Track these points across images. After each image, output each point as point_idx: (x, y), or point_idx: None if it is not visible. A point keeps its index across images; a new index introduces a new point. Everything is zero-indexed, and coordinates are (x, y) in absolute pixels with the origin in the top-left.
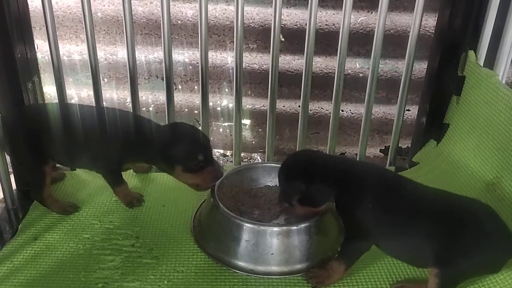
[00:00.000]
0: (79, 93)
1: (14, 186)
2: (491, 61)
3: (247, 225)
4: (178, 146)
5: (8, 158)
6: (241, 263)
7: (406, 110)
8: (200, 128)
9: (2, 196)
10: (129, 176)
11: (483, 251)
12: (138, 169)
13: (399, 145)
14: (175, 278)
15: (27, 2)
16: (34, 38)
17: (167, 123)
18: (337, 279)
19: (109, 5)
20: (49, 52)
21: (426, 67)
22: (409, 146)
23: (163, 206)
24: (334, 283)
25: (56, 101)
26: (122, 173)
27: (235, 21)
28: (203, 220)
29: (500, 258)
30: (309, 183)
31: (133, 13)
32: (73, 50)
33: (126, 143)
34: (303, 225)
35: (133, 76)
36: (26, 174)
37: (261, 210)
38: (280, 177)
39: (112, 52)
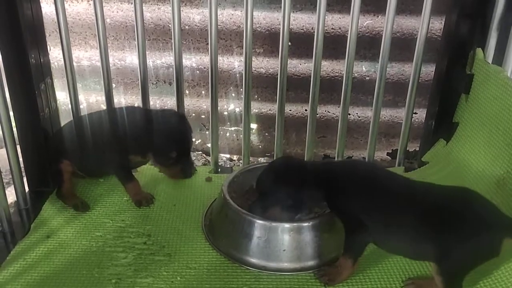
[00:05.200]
0: (88, 98)
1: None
2: (499, 58)
3: (259, 222)
4: (154, 138)
5: (21, 159)
6: (253, 260)
7: (413, 113)
8: (208, 133)
9: (14, 199)
10: (140, 176)
11: (476, 236)
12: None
13: (407, 149)
14: (188, 275)
15: (40, 8)
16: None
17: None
18: (347, 275)
19: (117, 11)
20: (58, 58)
21: (432, 70)
22: (416, 149)
23: (174, 205)
24: (345, 279)
25: (66, 105)
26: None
27: (244, 26)
28: (214, 218)
29: (495, 239)
30: (301, 189)
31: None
32: (82, 56)
33: (121, 137)
34: (314, 222)
35: (144, 82)
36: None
37: None
38: (270, 186)
39: (121, 58)
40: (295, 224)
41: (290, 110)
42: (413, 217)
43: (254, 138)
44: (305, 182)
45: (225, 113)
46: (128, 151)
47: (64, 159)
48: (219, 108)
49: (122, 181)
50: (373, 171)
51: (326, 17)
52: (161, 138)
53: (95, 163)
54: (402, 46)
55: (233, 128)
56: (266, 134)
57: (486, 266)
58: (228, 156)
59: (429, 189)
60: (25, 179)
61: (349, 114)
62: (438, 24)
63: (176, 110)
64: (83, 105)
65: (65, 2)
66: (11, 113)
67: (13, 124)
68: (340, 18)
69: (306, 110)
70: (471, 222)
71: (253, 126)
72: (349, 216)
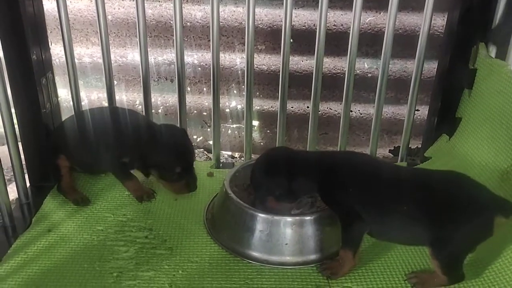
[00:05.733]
0: (89, 95)
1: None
2: (502, 53)
3: (261, 215)
4: (159, 154)
5: (22, 154)
6: (255, 254)
7: (416, 110)
8: (210, 130)
9: (16, 196)
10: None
11: (468, 217)
12: None
13: (409, 146)
14: (189, 268)
15: (42, 5)
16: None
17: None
18: (349, 268)
19: (119, 8)
20: (59, 55)
21: (434, 67)
22: (418, 146)
23: (175, 200)
24: (347, 272)
25: (67, 102)
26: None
27: (246, 23)
28: (216, 212)
29: (487, 218)
30: (291, 179)
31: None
32: (83, 53)
33: (119, 140)
34: (316, 216)
35: (145, 79)
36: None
37: None
38: (260, 175)
39: (122, 55)
40: (297, 217)
41: (292, 107)
42: (406, 202)
43: (255, 135)
44: (297, 173)
45: (227, 110)
46: (130, 166)
47: (61, 154)
48: (220, 105)
49: (121, 179)
50: (365, 160)
51: (328, 13)
52: (165, 155)
53: (92, 160)
54: (404, 42)
55: (234, 125)
56: (268, 131)
57: (489, 257)
58: (229, 153)
59: (420, 174)
60: (26, 175)
61: (351, 111)
62: (440, 21)
63: (175, 124)
64: (84, 102)
65: None
66: (13, 109)
67: (15, 119)
68: (342, 14)
69: (308, 107)
70: (462, 203)
71: (255, 123)
72: (344, 207)
